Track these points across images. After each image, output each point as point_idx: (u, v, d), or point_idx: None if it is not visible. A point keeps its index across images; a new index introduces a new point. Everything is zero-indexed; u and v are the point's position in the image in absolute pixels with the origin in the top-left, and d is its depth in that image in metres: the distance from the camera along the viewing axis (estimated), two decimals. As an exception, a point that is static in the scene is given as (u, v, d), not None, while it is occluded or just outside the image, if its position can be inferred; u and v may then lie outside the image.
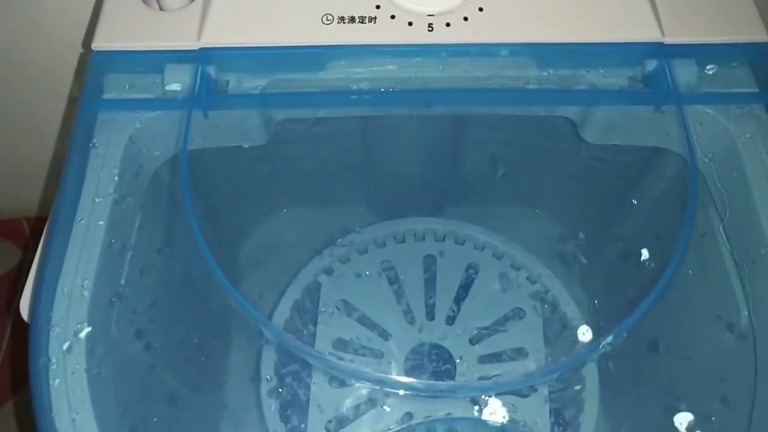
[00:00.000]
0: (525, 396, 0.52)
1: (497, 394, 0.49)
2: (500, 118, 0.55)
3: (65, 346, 0.39)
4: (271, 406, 0.52)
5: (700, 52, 0.49)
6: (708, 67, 0.50)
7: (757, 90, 0.49)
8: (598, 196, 0.61)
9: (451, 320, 0.57)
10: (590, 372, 0.52)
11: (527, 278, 0.59)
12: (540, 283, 0.59)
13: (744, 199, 0.46)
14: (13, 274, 0.89)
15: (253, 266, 0.64)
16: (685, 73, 0.49)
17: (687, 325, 0.50)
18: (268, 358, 0.54)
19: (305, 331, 0.57)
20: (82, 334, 0.39)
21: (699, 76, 0.49)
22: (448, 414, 0.51)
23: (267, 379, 0.52)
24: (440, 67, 0.50)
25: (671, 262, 0.44)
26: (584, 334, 0.53)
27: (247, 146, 0.53)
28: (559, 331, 0.56)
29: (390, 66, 0.50)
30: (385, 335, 0.56)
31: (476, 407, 0.49)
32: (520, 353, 0.55)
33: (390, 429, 0.49)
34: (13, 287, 0.88)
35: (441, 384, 0.50)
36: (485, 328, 0.57)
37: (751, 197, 0.45)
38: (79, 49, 0.61)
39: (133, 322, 0.45)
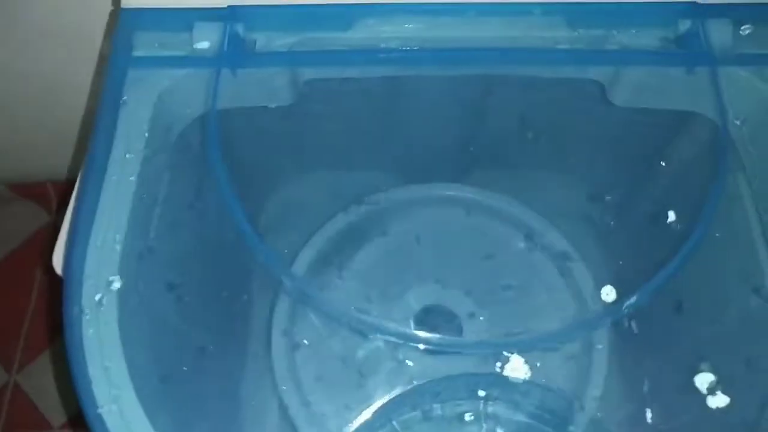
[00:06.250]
0: (542, 354, 0.52)
1: (516, 352, 0.49)
2: (528, 80, 0.54)
3: (97, 297, 0.40)
4: (293, 359, 0.53)
5: (735, 12, 0.48)
6: (743, 27, 0.48)
7: (795, 51, 0.48)
8: (625, 159, 0.60)
9: (471, 279, 0.58)
10: (610, 333, 0.52)
11: (550, 239, 0.59)
12: (564, 244, 0.59)
13: (776, 163, 0.45)
14: (41, 234, 0.91)
15: (277, 227, 0.65)
16: (719, 33, 0.48)
17: (713, 287, 0.50)
18: (292, 312, 0.55)
19: (327, 287, 0.57)
20: (114, 286, 0.40)
21: (734, 36, 0.48)
22: (466, 370, 0.52)
23: (291, 331, 0.53)
24: (469, 27, 0.49)
25: (699, 225, 0.44)
26: (608, 294, 0.53)
27: (273, 106, 0.53)
28: (581, 293, 0.56)
29: (418, 25, 0.49)
30: (405, 293, 0.57)
31: (496, 364, 0.50)
32: (540, 313, 0.56)
33: (410, 383, 0.50)
34: (40, 247, 0.90)
35: (461, 340, 0.51)
36: (507, 287, 0.57)
37: (783, 162, 0.45)
38: (109, 7, 0.61)
39: (163, 275, 0.46)
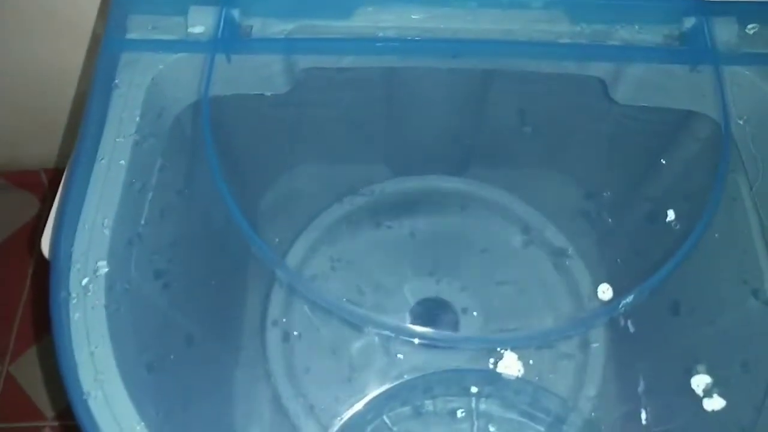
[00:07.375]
0: (537, 352, 0.51)
1: (510, 349, 0.48)
2: (528, 74, 0.53)
3: (84, 282, 0.39)
4: (284, 349, 0.52)
5: (741, 10, 0.47)
6: (749, 26, 0.48)
7: (801, 52, 0.47)
8: (625, 157, 0.60)
9: (466, 274, 0.57)
10: (606, 332, 0.52)
11: (547, 235, 0.58)
12: (561, 240, 0.58)
13: (778, 164, 0.45)
14: (33, 224, 0.90)
15: (269, 216, 0.64)
16: (724, 31, 0.47)
17: (711, 288, 0.50)
18: (284, 302, 0.54)
19: (320, 278, 0.57)
20: (102, 271, 0.40)
21: (739, 35, 0.47)
22: (458, 366, 0.51)
23: (282, 322, 0.53)
24: (470, 18, 0.49)
25: (698, 224, 0.43)
26: (604, 292, 0.52)
27: (268, 94, 0.52)
28: (577, 290, 0.56)
29: (418, 15, 0.49)
30: (399, 286, 0.56)
31: (489, 360, 0.49)
32: (535, 310, 0.55)
33: (401, 378, 0.50)
34: (32, 237, 0.89)
35: (454, 335, 0.50)
36: (502, 283, 0.57)
37: (785, 163, 0.44)
38: (101, -8, 0.60)
39: (152, 261, 0.46)
